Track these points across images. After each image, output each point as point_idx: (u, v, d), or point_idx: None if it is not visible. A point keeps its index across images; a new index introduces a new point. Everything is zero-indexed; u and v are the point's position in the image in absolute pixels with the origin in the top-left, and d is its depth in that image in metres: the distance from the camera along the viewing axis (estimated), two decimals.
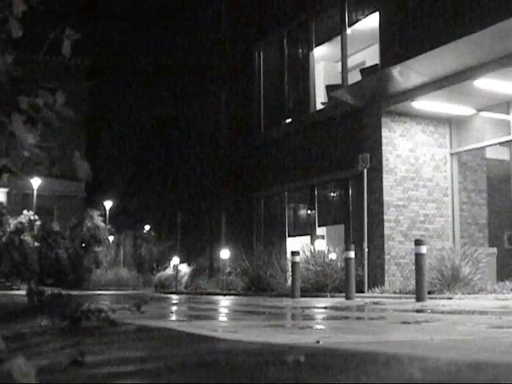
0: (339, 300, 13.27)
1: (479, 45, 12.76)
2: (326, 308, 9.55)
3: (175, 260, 27.87)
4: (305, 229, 20.70)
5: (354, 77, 18.75)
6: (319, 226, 20.13)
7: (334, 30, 19.89)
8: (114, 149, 44.01)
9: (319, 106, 20.76)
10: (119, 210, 40.08)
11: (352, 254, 13.89)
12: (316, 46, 20.83)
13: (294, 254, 15.89)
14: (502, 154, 16.62)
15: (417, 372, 1.76)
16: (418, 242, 12.17)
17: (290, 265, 16.81)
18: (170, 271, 29.73)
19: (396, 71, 14.59)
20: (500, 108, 15.31)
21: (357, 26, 19.03)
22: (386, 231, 15.56)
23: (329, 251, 17.46)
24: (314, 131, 20.10)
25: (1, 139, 2.16)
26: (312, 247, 18.01)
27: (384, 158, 15.77)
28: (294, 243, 20.00)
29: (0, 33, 2.33)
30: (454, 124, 16.61)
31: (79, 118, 43.65)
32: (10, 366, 1.73)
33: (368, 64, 19.31)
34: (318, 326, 5.47)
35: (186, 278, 27.47)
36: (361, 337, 3.93)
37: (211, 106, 28.16)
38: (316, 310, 8.87)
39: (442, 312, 7.75)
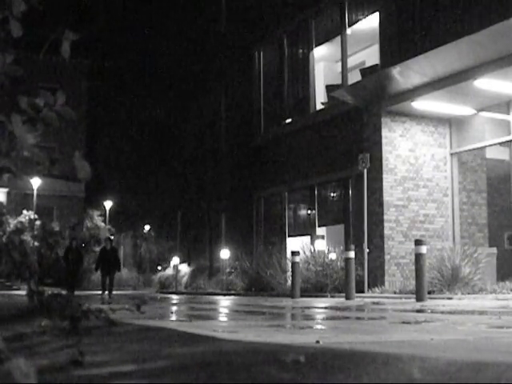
0: (339, 300, 13.28)
1: (479, 45, 12.75)
2: (325, 308, 9.55)
3: (175, 260, 27.88)
4: (305, 229, 20.70)
5: (354, 77, 18.76)
6: (319, 226, 20.14)
7: (334, 30, 19.91)
8: (113, 149, 44.00)
9: (319, 106, 20.77)
10: (119, 210, 40.07)
11: (352, 254, 13.89)
12: (316, 46, 20.85)
13: (294, 253, 15.89)
14: (502, 154, 16.63)
15: (417, 372, 1.76)
16: (417, 242, 12.17)
17: (289, 265, 16.81)
18: (170, 271, 29.75)
19: (396, 71, 14.58)
20: (500, 108, 15.30)
21: (357, 25, 19.05)
22: (386, 231, 15.56)
23: (329, 251, 17.47)
24: (314, 131, 20.11)
25: (1, 139, 2.16)
26: (312, 247, 18.02)
27: (384, 158, 15.77)
28: (294, 243, 20.01)
29: (0, 33, 2.33)
30: (453, 124, 16.60)
31: (79, 118, 43.65)
32: (10, 366, 1.72)
33: (368, 64, 19.32)
34: (318, 326, 5.47)
35: (185, 277, 27.48)
36: (361, 337, 3.93)
37: (211, 106, 28.16)
38: (316, 310, 8.88)
39: (442, 312, 7.75)
